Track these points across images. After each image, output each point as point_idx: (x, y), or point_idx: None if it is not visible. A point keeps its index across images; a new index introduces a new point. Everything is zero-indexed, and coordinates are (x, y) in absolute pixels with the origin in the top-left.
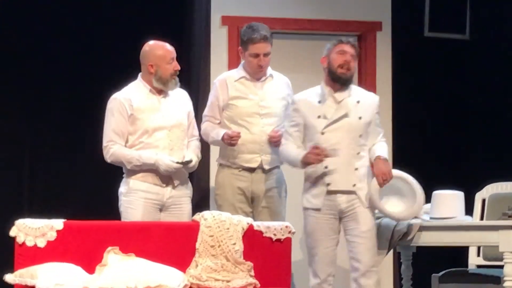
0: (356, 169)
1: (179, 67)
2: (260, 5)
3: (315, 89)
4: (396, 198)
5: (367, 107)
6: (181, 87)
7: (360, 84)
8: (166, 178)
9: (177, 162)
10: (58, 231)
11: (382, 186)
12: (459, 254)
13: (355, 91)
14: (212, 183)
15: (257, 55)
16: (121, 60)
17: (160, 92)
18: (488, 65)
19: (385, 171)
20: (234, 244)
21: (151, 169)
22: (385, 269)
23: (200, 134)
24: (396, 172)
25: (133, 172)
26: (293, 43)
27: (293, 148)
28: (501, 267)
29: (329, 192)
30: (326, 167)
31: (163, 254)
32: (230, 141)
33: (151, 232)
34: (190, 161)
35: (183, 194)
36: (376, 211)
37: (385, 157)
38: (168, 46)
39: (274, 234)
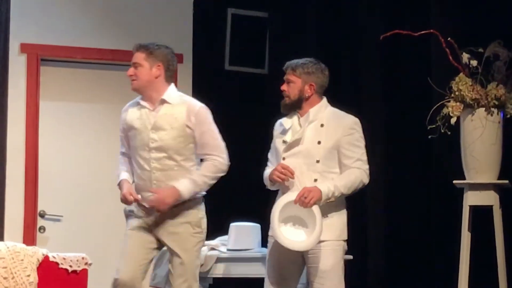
0: None
1: None
2: (62, 33)
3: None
4: (293, 228)
5: (332, 130)
6: None
7: None
8: None
9: None
10: None
11: (296, 202)
12: (256, 285)
13: (327, 114)
14: (6, 212)
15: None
16: None
17: None
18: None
19: (310, 191)
20: (29, 275)
21: None
22: None
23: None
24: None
25: None
26: (95, 72)
27: (268, 170)
28: None
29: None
30: (283, 193)
31: None
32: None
33: None
34: None
35: None
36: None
37: (320, 189)
38: None
39: (70, 266)
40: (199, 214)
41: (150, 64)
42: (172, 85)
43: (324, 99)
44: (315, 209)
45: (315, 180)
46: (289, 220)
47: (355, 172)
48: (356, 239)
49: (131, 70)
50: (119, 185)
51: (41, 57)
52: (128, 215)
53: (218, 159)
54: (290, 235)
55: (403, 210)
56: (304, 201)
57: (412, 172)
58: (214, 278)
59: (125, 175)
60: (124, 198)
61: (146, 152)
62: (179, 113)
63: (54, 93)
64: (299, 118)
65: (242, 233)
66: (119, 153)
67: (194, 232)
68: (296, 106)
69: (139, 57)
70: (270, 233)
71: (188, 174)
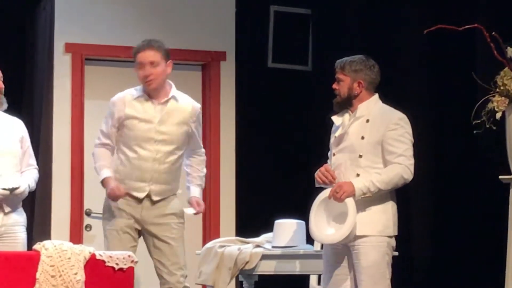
0: None
1: (2, 86)
2: (105, 33)
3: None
4: (334, 223)
5: (377, 126)
6: (23, 114)
7: (204, 111)
8: None
9: (4, 188)
10: None
11: (329, 197)
12: (300, 282)
13: (374, 110)
14: (53, 211)
15: (141, 65)
16: None
17: None
18: (329, 95)
19: (342, 186)
20: (76, 274)
21: None
22: None
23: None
24: (349, 201)
25: None
26: None
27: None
28: None
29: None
30: None
31: (1, 284)
32: (112, 197)
33: None
34: (17, 188)
35: (16, 222)
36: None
37: (354, 184)
38: None
39: (117, 264)
40: (180, 206)
41: (165, 62)
42: (173, 84)
43: (376, 95)
44: (349, 203)
45: (358, 175)
46: (329, 215)
47: (396, 168)
48: (401, 233)
49: (150, 70)
50: (103, 182)
51: (85, 56)
52: (110, 212)
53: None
54: (326, 229)
55: (449, 205)
56: (336, 195)
57: (458, 167)
58: (260, 275)
59: (108, 172)
60: (113, 193)
61: (151, 144)
62: (185, 110)
63: (99, 92)
64: (349, 114)
65: (287, 230)
66: (97, 145)
67: (179, 222)
68: (347, 104)
69: (157, 55)
70: None
71: (179, 170)
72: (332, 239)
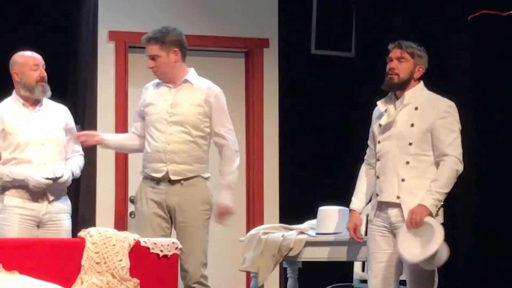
0: (403, 180)
1: (44, 74)
2: (148, 20)
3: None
4: (417, 243)
5: (426, 113)
6: (67, 101)
7: (248, 98)
8: (41, 193)
9: (47, 178)
10: None
11: (408, 227)
12: (344, 269)
13: (421, 98)
14: (97, 199)
15: (149, 57)
16: (4, 75)
17: (34, 105)
18: (372, 81)
19: (416, 211)
20: (120, 260)
21: (24, 185)
22: (272, 284)
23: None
24: (429, 219)
25: (7, 188)
26: None
27: (359, 186)
28: None
29: (380, 203)
30: (378, 177)
31: (47, 271)
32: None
33: (35, 249)
34: (61, 177)
35: (61, 210)
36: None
37: (423, 203)
38: (30, 54)
39: (161, 250)
40: (208, 192)
41: (166, 52)
42: (193, 69)
43: (421, 83)
44: (430, 221)
45: (407, 162)
46: (415, 239)
47: (447, 164)
48: (446, 220)
49: (151, 63)
50: None
51: (129, 44)
52: (140, 202)
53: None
54: (414, 249)
55: (492, 194)
56: (414, 223)
57: (501, 158)
58: (303, 262)
59: (107, 134)
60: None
61: (164, 125)
62: (199, 91)
63: (142, 79)
64: (395, 101)
65: (331, 217)
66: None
67: (204, 209)
68: (402, 86)
69: (154, 49)
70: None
71: (200, 151)
72: (418, 256)
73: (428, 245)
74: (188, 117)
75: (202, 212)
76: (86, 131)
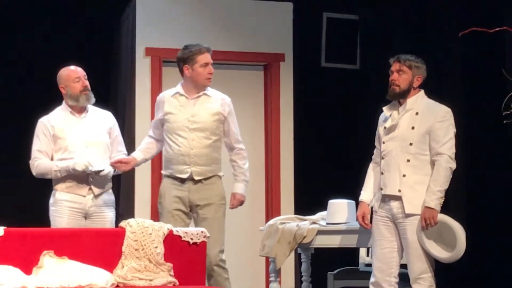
0: (404, 175)
1: (86, 84)
2: (180, 38)
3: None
4: (440, 238)
5: (425, 118)
6: (109, 108)
7: (266, 105)
8: (87, 189)
9: (91, 170)
10: None
11: (426, 229)
12: (351, 254)
13: (422, 104)
14: (136, 193)
15: (207, 64)
16: (55, 88)
17: (80, 112)
18: (374, 90)
19: (427, 217)
20: (156, 247)
21: (74, 181)
22: (287, 268)
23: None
24: (442, 217)
25: (59, 184)
26: None
27: (367, 181)
28: None
29: (383, 196)
30: (382, 173)
31: (93, 257)
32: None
33: (82, 237)
34: (102, 170)
35: (105, 203)
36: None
37: (429, 206)
38: (73, 67)
39: (191, 239)
40: (223, 188)
41: (181, 69)
42: None
43: (422, 91)
44: (443, 218)
45: (408, 160)
46: (436, 238)
47: (441, 164)
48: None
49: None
50: None
51: (163, 59)
52: (164, 197)
53: (242, 152)
54: (442, 251)
55: (483, 184)
56: (429, 224)
57: (490, 153)
58: (315, 248)
59: (135, 153)
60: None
61: (186, 132)
62: (216, 102)
63: None
64: (398, 107)
65: (339, 209)
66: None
67: (220, 203)
68: (403, 95)
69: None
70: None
71: (216, 153)
72: (460, 250)
73: (454, 244)
74: (207, 124)
75: (219, 205)
76: (119, 159)
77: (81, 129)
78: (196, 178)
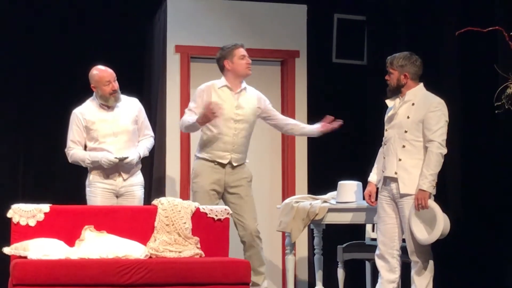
0: (400, 159)
1: (115, 87)
2: (205, 36)
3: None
4: (429, 223)
5: (420, 108)
6: (143, 99)
7: (283, 97)
8: (116, 172)
9: (116, 157)
10: (45, 213)
11: (418, 210)
12: (358, 230)
13: (419, 96)
14: (167, 174)
15: (244, 56)
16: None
17: (109, 106)
18: (380, 83)
19: (420, 197)
20: (185, 223)
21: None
22: (302, 242)
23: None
24: (433, 205)
25: (92, 168)
26: None
27: (376, 163)
28: None
29: (385, 178)
30: (384, 157)
31: (128, 231)
32: (209, 113)
33: (119, 214)
34: (126, 158)
35: (133, 184)
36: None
37: (422, 188)
38: (104, 71)
39: (216, 215)
40: (251, 172)
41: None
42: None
43: (421, 84)
44: (432, 206)
45: (403, 146)
46: (422, 220)
47: (433, 150)
48: (438, 195)
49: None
50: (196, 120)
51: (191, 55)
52: (200, 177)
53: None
54: (424, 232)
55: (475, 171)
56: (421, 205)
57: (483, 140)
58: (326, 225)
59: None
60: (207, 106)
61: (231, 123)
62: (254, 97)
63: (201, 83)
64: (399, 99)
65: (347, 189)
66: (186, 112)
67: (249, 184)
68: (397, 91)
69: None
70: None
71: (248, 143)
72: (434, 237)
73: (434, 227)
74: (249, 117)
75: (249, 185)
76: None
77: (110, 120)
78: (235, 164)
